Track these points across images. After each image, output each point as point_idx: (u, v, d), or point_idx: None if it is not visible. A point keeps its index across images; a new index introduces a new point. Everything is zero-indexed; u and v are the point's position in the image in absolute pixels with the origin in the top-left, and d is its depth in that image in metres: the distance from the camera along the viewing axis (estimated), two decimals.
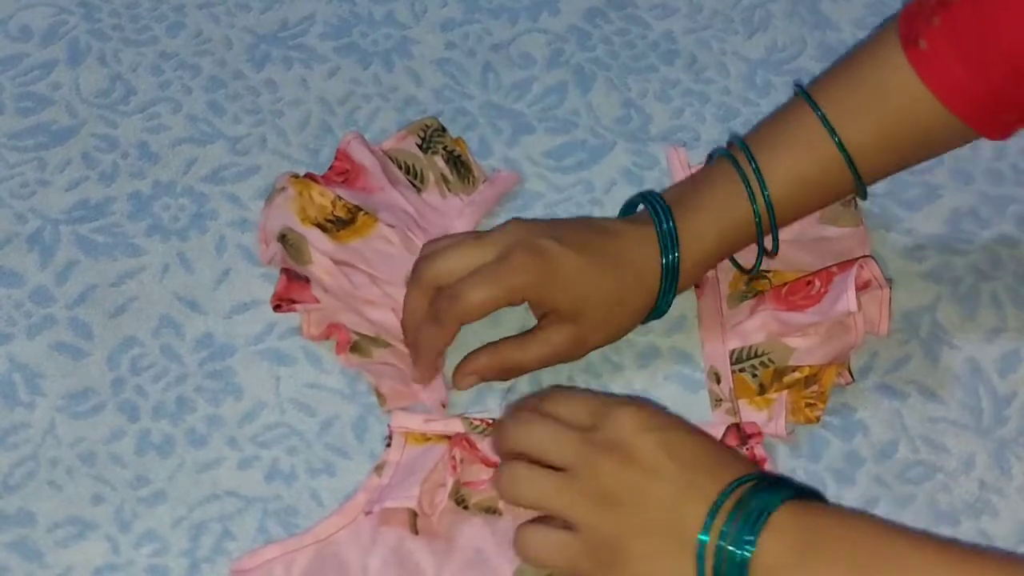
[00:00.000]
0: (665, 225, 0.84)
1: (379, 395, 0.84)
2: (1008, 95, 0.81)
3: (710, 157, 0.90)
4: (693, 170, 0.94)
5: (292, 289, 0.87)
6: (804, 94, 0.85)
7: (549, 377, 0.86)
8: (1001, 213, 0.94)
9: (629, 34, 1.03)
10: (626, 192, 0.94)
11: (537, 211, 0.94)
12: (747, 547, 0.68)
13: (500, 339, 0.85)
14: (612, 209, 0.93)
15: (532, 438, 0.74)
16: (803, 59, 1.02)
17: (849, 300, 0.84)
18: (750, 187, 0.84)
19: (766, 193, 0.84)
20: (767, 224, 0.85)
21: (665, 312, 0.86)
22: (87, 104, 0.98)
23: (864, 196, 0.87)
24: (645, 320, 0.87)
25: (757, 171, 0.84)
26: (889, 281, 0.88)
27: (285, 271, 0.88)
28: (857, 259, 0.86)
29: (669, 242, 0.83)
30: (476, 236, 0.84)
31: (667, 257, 0.84)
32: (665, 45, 1.03)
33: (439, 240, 0.86)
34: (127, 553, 0.80)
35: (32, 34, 1.02)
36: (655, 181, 0.95)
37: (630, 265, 0.84)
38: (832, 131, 0.84)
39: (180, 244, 0.92)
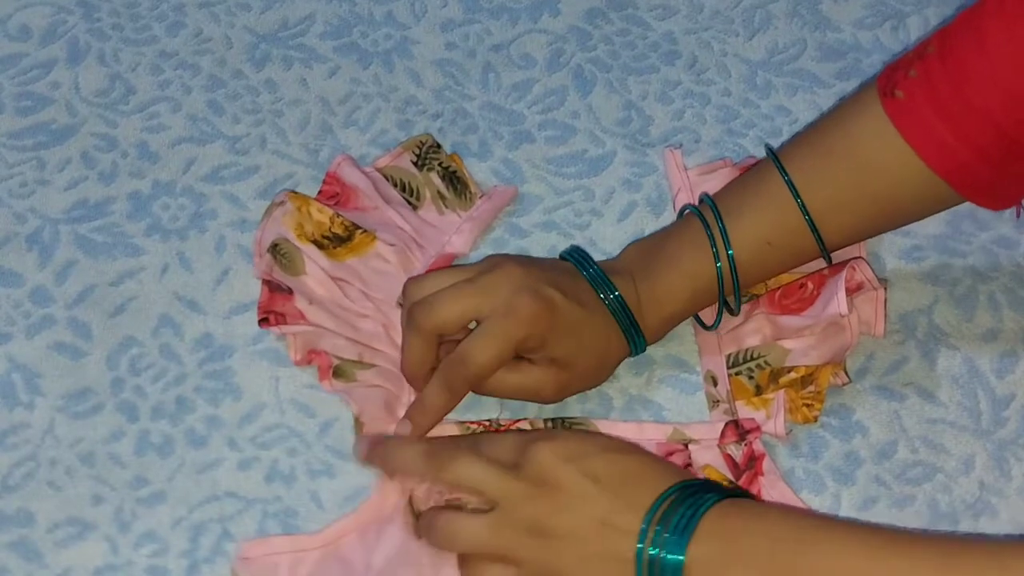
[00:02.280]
0: (611, 295, 0.83)
1: (357, 423, 0.83)
2: (996, 161, 0.79)
3: (680, 213, 0.90)
4: (690, 172, 0.94)
5: (275, 301, 0.86)
6: (773, 156, 0.85)
7: None
8: (999, 215, 0.94)
9: (629, 35, 1.03)
10: (626, 196, 0.94)
11: (536, 216, 0.93)
12: (679, 552, 0.70)
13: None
14: (611, 214, 0.93)
15: (461, 475, 0.75)
16: (803, 60, 1.02)
17: (840, 302, 0.84)
18: (716, 247, 0.84)
19: (730, 253, 0.84)
20: (730, 285, 0.85)
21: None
22: (86, 103, 0.98)
23: (829, 261, 0.86)
24: None
25: (724, 232, 0.84)
26: (884, 282, 0.88)
27: (267, 283, 0.87)
28: (848, 261, 0.86)
29: (620, 307, 0.83)
30: (470, 279, 0.81)
31: (623, 321, 0.83)
32: (666, 46, 1.03)
33: (425, 279, 0.83)
34: (126, 554, 0.80)
35: (31, 33, 1.02)
36: (654, 183, 0.95)
37: (610, 319, 0.83)
38: (796, 195, 0.83)
39: (179, 244, 0.92)
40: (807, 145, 0.85)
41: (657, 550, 0.70)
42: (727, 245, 0.84)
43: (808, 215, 0.83)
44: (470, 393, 0.84)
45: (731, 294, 0.86)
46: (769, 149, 0.86)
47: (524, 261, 0.84)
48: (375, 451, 0.79)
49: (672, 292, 0.84)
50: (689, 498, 0.71)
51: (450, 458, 0.75)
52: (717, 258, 0.84)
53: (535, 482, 0.73)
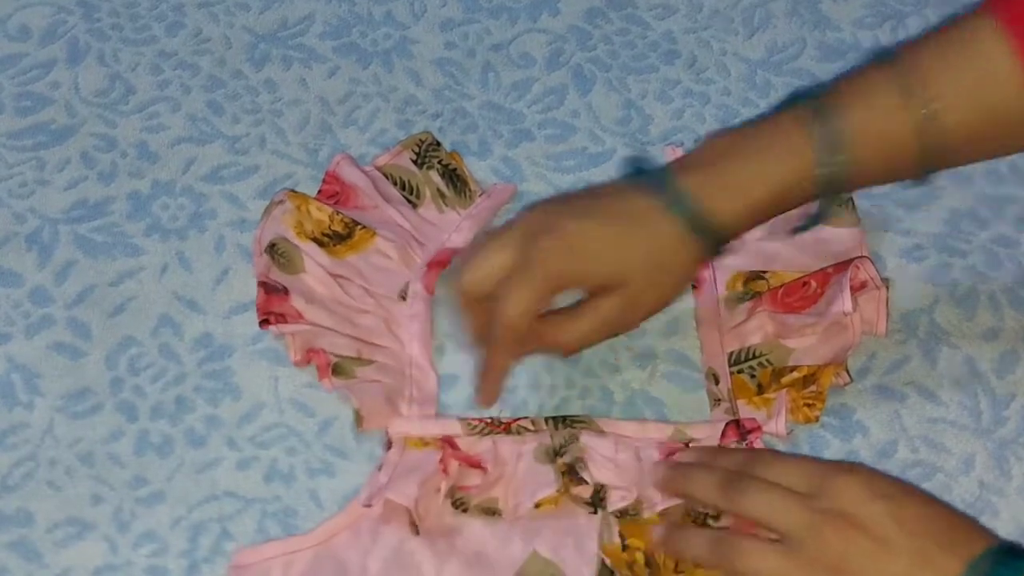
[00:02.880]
0: (663, 193, 0.79)
1: (358, 416, 0.83)
2: None
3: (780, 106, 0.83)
4: None
5: (272, 302, 0.86)
6: (883, 56, 0.80)
7: (547, 377, 0.86)
8: (1000, 214, 0.94)
9: (629, 34, 1.03)
10: None
11: None
12: None
13: (548, 313, 0.81)
14: None
15: (756, 506, 0.73)
16: (803, 59, 1.02)
17: (845, 301, 0.83)
18: (818, 144, 0.78)
19: (840, 158, 0.78)
20: (831, 187, 0.79)
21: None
22: (86, 103, 0.98)
23: (923, 180, 0.80)
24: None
25: (827, 129, 0.78)
26: (886, 281, 0.88)
27: (262, 284, 0.87)
28: (852, 260, 0.86)
29: (675, 201, 0.79)
30: (494, 234, 0.80)
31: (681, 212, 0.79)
32: (665, 45, 1.03)
33: (467, 248, 0.84)
34: (126, 553, 0.80)
35: (31, 33, 1.02)
36: None
37: (665, 223, 0.79)
38: (910, 97, 0.77)
39: (179, 244, 0.92)
40: (922, 50, 0.79)
41: None
42: (832, 148, 0.78)
43: (921, 121, 0.77)
44: (471, 391, 0.84)
45: (817, 197, 0.81)
46: (880, 52, 0.81)
47: (550, 201, 0.82)
48: (672, 476, 0.79)
49: (750, 182, 0.79)
50: (1004, 563, 0.68)
51: (744, 488, 0.74)
52: (820, 159, 0.78)
53: (833, 516, 0.71)
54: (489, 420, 0.83)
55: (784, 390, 0.84)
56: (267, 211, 0.90)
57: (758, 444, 0.82)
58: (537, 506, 0.79)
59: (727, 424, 0.83)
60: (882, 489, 0.71)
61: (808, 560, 0.71)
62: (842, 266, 0.86)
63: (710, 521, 0.79)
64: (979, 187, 0.95)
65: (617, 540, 0.79)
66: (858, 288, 0.85)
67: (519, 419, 0.83)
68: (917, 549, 0.69)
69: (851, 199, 0.91)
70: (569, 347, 0.82)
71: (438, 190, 0.93)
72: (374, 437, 0.84)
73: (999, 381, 0.87)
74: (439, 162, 0.94)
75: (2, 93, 0.99)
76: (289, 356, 0.86)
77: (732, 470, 0.77)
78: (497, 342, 0.79)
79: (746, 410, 0.84)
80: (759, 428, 0.83)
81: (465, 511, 0.80)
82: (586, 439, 0.82)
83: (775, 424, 0.83)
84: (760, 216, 0.81)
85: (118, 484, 0.82)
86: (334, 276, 0.87)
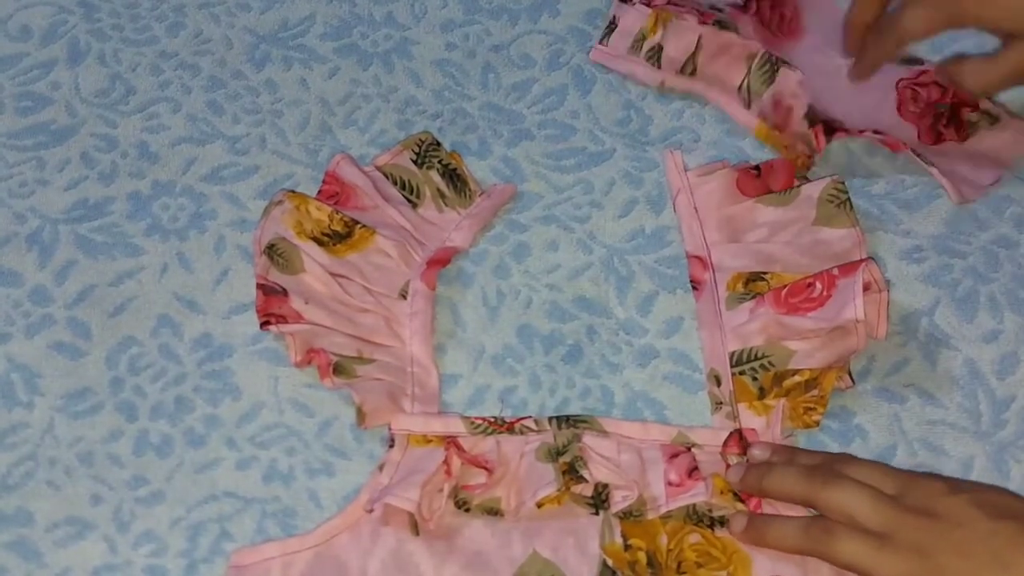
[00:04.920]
0: None
1: (360, 413, 0.83)
2: None
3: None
4: (689, 173, 0.94)
5: (271, 303, 0.86)
6: None
7: (547, 377, 0.86)
8: (999, 215, 0.94)
9: None
10: (626, 191, 0.94)
11: (536, 212, 0.94)
12: None
13: (953, 58, 0.92)
14: (612, 209, 0.93)
15: (844, 498, 0.75)
16: None
17: (856, 308, 0.83)
18: None
19: None
20: None
21: None
22: (86, 104, 0.98)
23: None
24: None
25: None
26: (887, 283, 0.88)
27: (260, 286, 0.87)
28: (859, 262, 0.86)
29: None
30: None
31: None
32: None
33: None
34: (125, 553, 0.80)
35: (32, 34, 1.02)
36: (655, 181, 0.95)
37: None
38: None
39: (179, 244, 0.92)
40: None
41: None
42: None
43: None
44: (472, 390, 0.84)
45: None
46: None
47: None
48: (751, 473, 0.80)
49: None
50: None
51: (831, 482, 0.76)
52: None
53: (918, 511, 0.74)
54: (492, 419, 0.83)
55: (783, 401, 0.84)
56: (266, 211, 0.90)
57: None
58: (539, 506, 0.79)
59: (730, 435, 0.83)
60: (964, 486, 0.75)
61: (896, 548, 0.73)
62: (848, 268, 0.86)
63: (716, 527, 0.79)
64: None
65: (619, 540, 0.79)
66: (862, 291, 0.85)
67: (522, 419, 0.83)
68: (1002, 531, 0.72)
69: (849, 200, 0.91)
70: (979, 88, 0.91)
71: (438, 190, 0.93)
72: (374, 437, 0.84)
73: (999, 383, 0.87)
74: (439, 162, 0.94)
75: (2, 93, 0.99)
76: (289, 357, 0.86)
77: (813, 466, 0.79)
78: (884, 44, 0.91)
79: (747, 414, 0.84)
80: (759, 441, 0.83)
81: (467, 511, 0.80)
82: (589, 439, 0.82)
83: (771, 434, 0.83)
84: None
85: (118, 484, 0.82)
86: (334, 275, 0.87)
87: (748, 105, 0.97)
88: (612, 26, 1.00)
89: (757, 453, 0.81)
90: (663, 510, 0.79)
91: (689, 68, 0.98)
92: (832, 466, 0.78)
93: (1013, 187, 0.95)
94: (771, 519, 0.79)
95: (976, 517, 0.73)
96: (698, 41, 0.98)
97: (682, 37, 0.98)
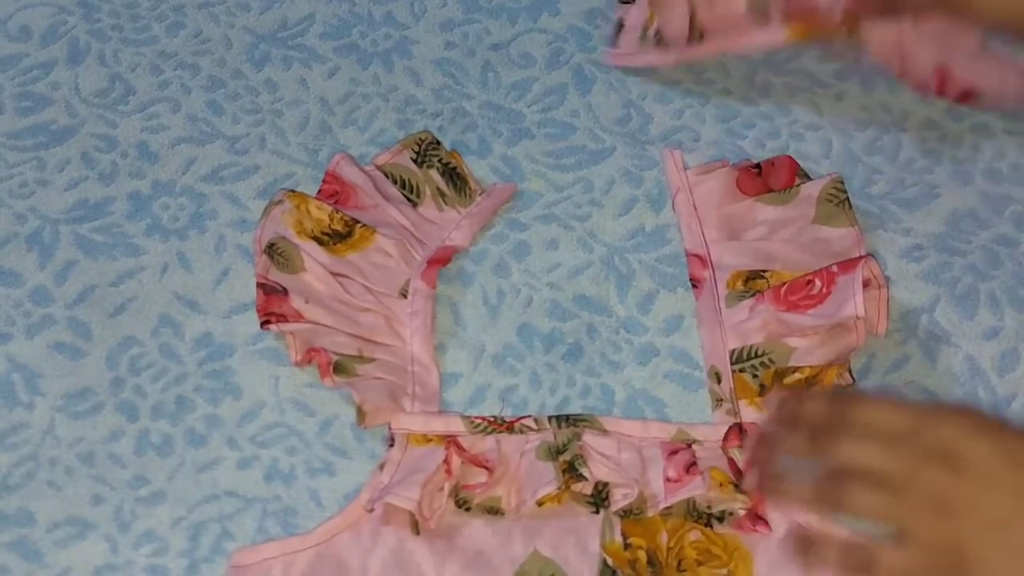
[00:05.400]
0: None
1: (360, 412, 0.83)
2: None
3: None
4: (689, 172, 0.94)
5: (272, 302, 0.86)
6: None
7: (548, 376, 0.86)
8: (1000, 213, 0.94)
9: None
10: (626, 190, 0.94)
11: (536, 211, 0.94)
12: None
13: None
14: (612, 207, 0.93)
15: (853, 454, 0.70)
16: (803, 59, 1.02)
17: (857, 305, 0.83)
18: None
19: None
20: None
21: None
22: (86, 104, 0.98)
23: None
24: None
25: None
26: (887, 280, 0.88)
27: (260, 286, 0.87)
28: (858, 259, 0.86)
29: None
30: None
31: None
32: None
33: None
34: (126, 553, 0.80)
35: (31, 34, 1.02)
36: (655, 180, 0.95)
37: None
38: None
39: (179, 244, 0.92)
40: None
41: None
42: None
43: None
44: (472, 389, 0.85)
45: None
46: None
47: None
48: (760, 442, 0.75)
49: None
50: None
51: (835, 439, 0.70)
52: None
53: (935, 456, 0.68)
54: (492, 419, 0.83)
55: None
56: (266, 211, 0.90)
57: None
58: (540, 505, 0.79)
59: (730, 428, 0.83)
60: (984, 425, 0.68)
61: (912, 502, 0.68)
62: (847, 265, 0.86)
63: (714, 521, 0.79)
64: (979, 187, 0.95)
65: (619, 539, 0.79)
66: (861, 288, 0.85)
67: (522, 418, 0.83)
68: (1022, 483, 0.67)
69: (847, 199, 0.91)
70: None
71: (438, 189, 0.93)
72: (375, 436, 0.84)
73: (1000, 380, 0.87)
74: (439, 161, 0.94)
75: (2, 93, 0.99)
76: (290, 356, 0.86)
77: (819, 424, 0.73)
78: None
79: (747, 411, 0.84)
80: None
81: (468, 510, 0.80)
82: (589, 438, 0.82)
83: None
84: None
85: (118, 484, 0.82)
86: (334, 274, 0.87)
87: (767, 18, 0.95)
88: (620, 27, 1.00)
89: (770, 398, 0.77)
90: (662, 506, 0.79)
91: (696, 35, 0.97)
92: (840, 415, 0.72)
93: (1013, 186, 0.95)
94: (786, 481, 0.74)
95: (1001, 469, 0.67)
96: (690, 7, 0.97)
97: (673, 10, 0.97)
